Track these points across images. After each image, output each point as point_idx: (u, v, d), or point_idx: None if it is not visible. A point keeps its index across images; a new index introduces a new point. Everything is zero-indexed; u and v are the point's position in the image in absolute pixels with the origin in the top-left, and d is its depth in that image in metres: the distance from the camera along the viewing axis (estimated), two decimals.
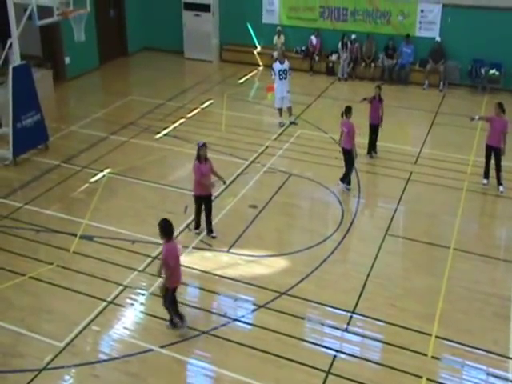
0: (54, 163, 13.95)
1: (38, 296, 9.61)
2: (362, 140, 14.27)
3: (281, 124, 16.00)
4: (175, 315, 8.76)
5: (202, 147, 10.60)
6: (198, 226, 11.20)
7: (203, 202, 10.95)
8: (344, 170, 12.67)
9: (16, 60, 13.71)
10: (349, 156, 12.54)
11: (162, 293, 8.70)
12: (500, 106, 12.45)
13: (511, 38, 17.86)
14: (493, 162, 12.61)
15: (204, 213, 11.06)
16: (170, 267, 8.36)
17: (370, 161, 14.09)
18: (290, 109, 16.10)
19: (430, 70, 18.83)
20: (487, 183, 12.81)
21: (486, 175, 12.81)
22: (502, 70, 18.21)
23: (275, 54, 19.02)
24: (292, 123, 16.12)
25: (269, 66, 16.69)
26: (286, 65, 15.74)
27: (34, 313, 9.25)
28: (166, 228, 8.32)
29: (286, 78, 15.70)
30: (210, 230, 11.12)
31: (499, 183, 12.64)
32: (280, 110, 16.00)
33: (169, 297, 8.63)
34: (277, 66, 15.71)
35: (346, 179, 12.65)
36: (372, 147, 14.20)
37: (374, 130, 14.09)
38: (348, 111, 12.49)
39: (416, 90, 18.91)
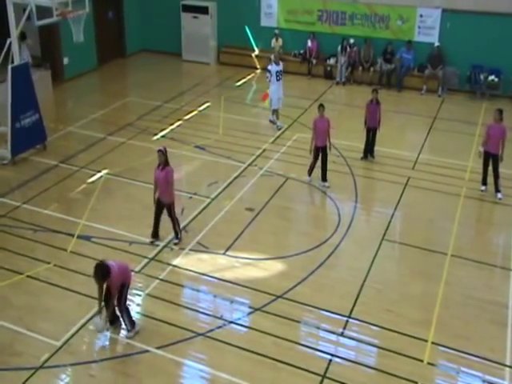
0: (52, 163, 13.94)
1: (36, 295, 9.61)
2: (358, 144, 14.37)
3: (278, 127, 16.06)
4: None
5: (158, 153, 10.51)
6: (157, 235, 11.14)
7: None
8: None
9: (16, 60, 13.72)
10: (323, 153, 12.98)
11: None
12: (500, 112, 12.45)
13: (510, 43, 17.94)
14: (491, 168, 12.64)
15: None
16: None
17: (368, 165, 14.12)
18: (277, 112, 16.21)
19: (428, 76, 18.89)
20: (485, 190, 12.84)
21: (484, 182, 12.84)
22: (501, 76, 18.27)
23: (273, 56, 19.04)
24: (272, 122, 16.22)
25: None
26: (281, 66, 16.05)
27: (31, 312, 9.24)
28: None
29: (281, 79, 15.97)
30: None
31: (497, 190, 12.67)
32: (276, 111, 16.11)
33: None
34: (273, 67, 15.87)
35: (325, 176, 13.06)
36: (370, 151, 14.24)
37: (372, 134, 14.12)
38: (319, 108, 12.91)
39: (414, 95, 18.97)
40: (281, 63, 16.08)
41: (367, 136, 14.13)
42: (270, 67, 15.98)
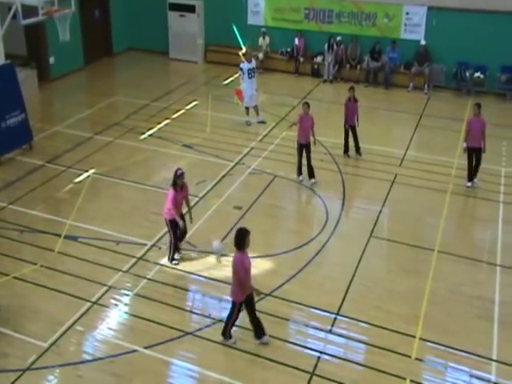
0: (39, 163, 13.85)
1: (22, 296, 9.55)
2: (340, 141, 14.40)
3: (248, 123, 16.19)
4: (229, 329, 8.61)
5: (181, 176, 9.98)
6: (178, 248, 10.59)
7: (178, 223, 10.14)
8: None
9: (1, 59, 13.62)
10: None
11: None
12: (478, 106, 12.69)
13: (496, 40, 18.02)
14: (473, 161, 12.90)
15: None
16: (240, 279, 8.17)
17: (355, 163, 14.16)
18: (256, 108, 16.29)
19: (414, 73, 18.95)
20: (471, 185, 12.94)
21: (470, 178, 12.95)
22: (486, 72, 18.37)
23: (260, 55, 19.06)
24: (260, 122, 16.26)
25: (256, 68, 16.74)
26: (254, 64, 16.10)
27: (17, 313, 9.18)
28: (238, 238, 8.14)
29: (254, 77, 16.02)
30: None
31: (473, 177, 12.95)
32: (247, 108, 16.19)
33: (235, 310, 8.46)
34: (245, 65, 15.94)
35: (312, 172, 13.08)
36: (356, 149, 14.29)
37: (352, 132, 14.16)
38: (304, 105, 13.01)
39: (401, 93, 19.02)
40: (253, 61, 16.17)
41: (346, 133, 14.17)
42: (242, 65, 16.04)
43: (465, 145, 12.85)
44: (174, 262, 10.39)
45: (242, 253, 8.15)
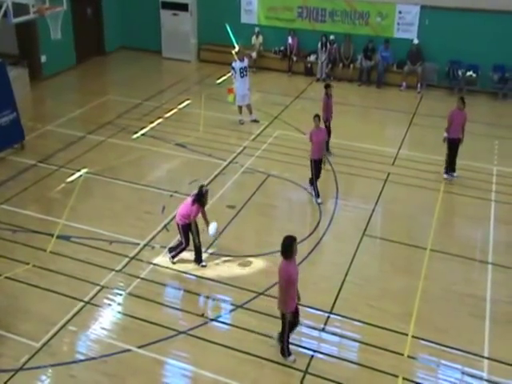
0: (30, 163, 13.80)
1: (14, 296, 9.51)
2: (340, 140, 14.41)
3: (240, 122, 16.18)
4: (286, 346, 8.31)
5: (206, 194, 10.03)
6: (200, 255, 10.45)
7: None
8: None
9: None
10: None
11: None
12: (463, 100, 13.05)
13: (488, 40, 18.10)
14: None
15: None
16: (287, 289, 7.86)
17: (348, 161, 14.16)
18: (249, 106, 16.28)
19: (407, 72, 19.00)
20: (456, 176, 13.29)
21: (453, 169, 13.31)
22: (478, 71, 18.43)
23: (253, 54, 19.04)
24: (254, 121, 16.26)
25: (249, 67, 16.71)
26: (246, 62, 16.04)
27: (10, 313, 9.14)
28: (285, 246, 7.85)
29: (246, 76, 15.98)
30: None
31: (453, 170, 13.28)
32: (240, 107, 16.17)
33: (286, 323, 8.11)
34: (237, 64, 15.91)
35: (315, 189, 12.40)
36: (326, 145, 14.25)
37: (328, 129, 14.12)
38: (315, 118, 12.18)
39: (394, 92, 19.06)
40: (245, 60, 16.09)
41: (329, 131, 14.08)
42: (234, 64, 16.00)
43: (445, 135, 13.17)
44: (202, 264, 10.34)
45: (288, 262, 7.86)
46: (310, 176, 12.46)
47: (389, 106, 18.00)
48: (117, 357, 8.37)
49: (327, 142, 13.96)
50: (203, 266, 10.30)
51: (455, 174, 13.30)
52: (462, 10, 18.25)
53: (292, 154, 14.31)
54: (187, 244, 10.25)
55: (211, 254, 10.63)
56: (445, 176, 13.29)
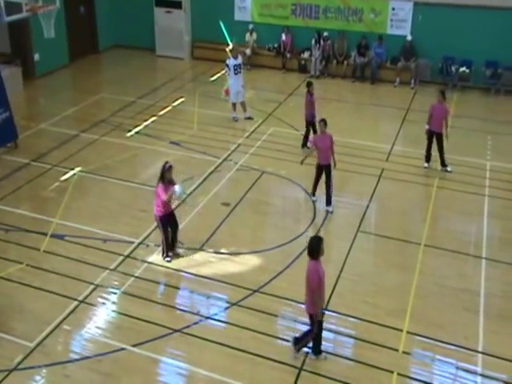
0: (24, 161, 13.75)
1: (8, 296, 9.47)
2: (335, 138, 14.37)
3: (234, 119, 16.18)
4: (318, 346, 8.34)
5: (169, 170, 9.81)
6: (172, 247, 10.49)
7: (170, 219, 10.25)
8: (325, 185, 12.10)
9: None
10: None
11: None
12: (443, 93, 13.20)
13: (481, 35, 18.13)
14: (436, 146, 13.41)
15: (171, 229, 10.36)
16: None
17: (342, 158, 14.10)
18: (243, 104, 16.28)
19: (401, 68, 19.01)
20: (428, 166, 13.57)
21: (428, 159, 13.62)
22: (471, 67, 18.47)
23: (248, 51, 19.02)
24: (248, 118, 16.26)
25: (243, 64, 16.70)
26: (240, 60, 16.05)
27: (3, 313, 9.10)
28: (311, 246, 7.85)
29: (240, 73, 15.99)
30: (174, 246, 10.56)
31: (444, 165, 13.44)
32: (234, 104, 16.17)
33: (315, 325, 8.04)
34: (231, 61, 15.90)
35: (329, 200, 12.00)
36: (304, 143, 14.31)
37: (312, 126, 14.05)
38: (321, 123, 11.78)
39: (387, 88, 19.08)
40: (239, 57, 16.10)
41: (314, 127, 14.02)
42: (228, 61, 15.98)
43: (427, 127, 13.33)
44: (166, 258, 10.34)
45: (315, 262, 7.83)
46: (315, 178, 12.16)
47: (382, 102, 18.03)
48: (112, 356, 8.35)
49: (306, 137, 14.09)
50: (168, 261, 10.29)
51: (449, 169, 13.40)
52: (454, 6, 18.31)
53: (286, 150, 14.30)
54: (166, 236, 10.20)
55: (200, 249, 10.63)
56: (425, 165, 13.62)
